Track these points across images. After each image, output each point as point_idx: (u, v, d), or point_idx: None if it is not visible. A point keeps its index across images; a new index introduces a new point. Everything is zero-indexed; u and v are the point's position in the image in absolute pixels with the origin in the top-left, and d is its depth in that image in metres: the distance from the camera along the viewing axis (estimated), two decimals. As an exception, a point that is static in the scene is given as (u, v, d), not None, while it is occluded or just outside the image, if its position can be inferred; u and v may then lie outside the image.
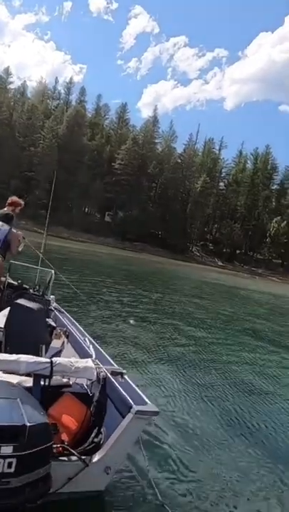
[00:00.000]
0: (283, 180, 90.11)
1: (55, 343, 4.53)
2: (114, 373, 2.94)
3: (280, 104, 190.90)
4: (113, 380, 2.90)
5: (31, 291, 5.28)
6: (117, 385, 2.86)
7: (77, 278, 16.37)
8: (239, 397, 6.43)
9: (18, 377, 2.65)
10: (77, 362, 2.82)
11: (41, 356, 3.38)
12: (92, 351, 3.50)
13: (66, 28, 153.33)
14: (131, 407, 2.58)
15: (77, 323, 4.86)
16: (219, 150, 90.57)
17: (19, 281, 5.46)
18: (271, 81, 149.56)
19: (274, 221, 77.70)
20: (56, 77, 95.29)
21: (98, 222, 70.67)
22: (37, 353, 3.37)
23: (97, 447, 2.66)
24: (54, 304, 5.45)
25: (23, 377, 2.66)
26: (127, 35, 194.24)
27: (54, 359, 2.64)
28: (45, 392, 2.61)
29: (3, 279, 5.45)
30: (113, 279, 20.80)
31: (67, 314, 5.31)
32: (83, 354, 3.64)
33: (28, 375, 2.67)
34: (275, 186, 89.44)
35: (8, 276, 5.34)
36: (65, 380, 3.07)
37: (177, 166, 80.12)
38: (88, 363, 2.90)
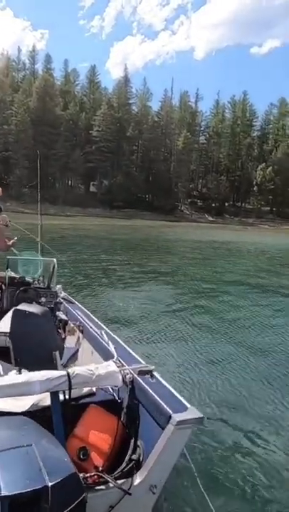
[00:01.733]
0: (263, 125, 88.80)
1: (70, 341, 4.22)
2: (141, 373, 2.55)
3: (252, 47, 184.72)
4: (142, 381, 2.52)
5: (37, 283, 5.07)
6: (147, 387, 2.47)
7: (74, 258, 16.45)
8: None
9: (34, 396, 2.36)
10: (98, 368, 2.45)
11: (56, 363, 3.12)
12: (111, 348, 3.11)
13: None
14: (170, 417, 2.17)
15: (90, 314, 4.45)
16: (196, 103, 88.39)
17: (21, 276, 5.12)
18: (240, 23, 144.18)
19: (259, 168, 77.22)
20: (18, 47, 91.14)
21: (83, 194, 70.00)
22: (51, 361, 3.07)
23: (137, 466, 2.30)
24: (62, 294, 5.03)
25: (40, 395, 2.34)
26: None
27: (71, 370, 2.29)
28: (67, 407, 2.26)
29: (2, 274, 5.18)
30: (110, 253, 20.85)
31: (79, 304, 4.90)
32: (102, 352, 3.29)
33: None
34: (255, 133, 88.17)
35: (9, 272, 5.03)
36: (86, 388, 2.68)
37: (156, 125, 78.49)
38: (110, 366, 2.54)
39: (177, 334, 7.46)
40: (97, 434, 2.37)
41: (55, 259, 5.21)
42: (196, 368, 5.77)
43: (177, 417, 2.15)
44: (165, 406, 2.25)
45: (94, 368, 2.42)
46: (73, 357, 3.76)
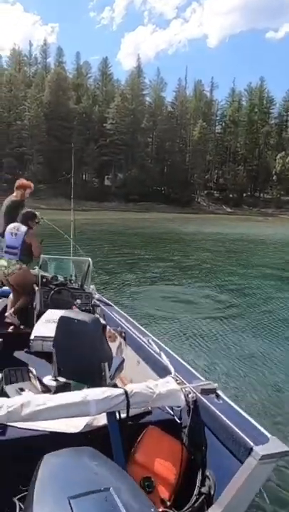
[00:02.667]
0: (282, 112, 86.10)
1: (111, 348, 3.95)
2: (205, 391, 2.25)
3: (267, 31, 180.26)
4: (206, 401, 2.22)
5: (69, 283, 4.82)
6: (213, 408, 2.17)
7: (97, 254, 15.51)
8: None
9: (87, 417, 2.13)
10: (158, 385, 2.17)
11: (105, 375, 2.83)
12: (164, 360, 2.78)
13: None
14: (251, 450, 1.86)
15: (130, 318, 4.14)
16: (211, 91, 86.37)
17: (53, 276, 4.88)
18: (254, 7, 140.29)
19: (278, 157, 74.94)
20: (30, 41, 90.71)
21: (98, 188, 69.19)
22: (98, 372, 2.81)
23: (208, 500, 2.04)
24: (97, 296, 4.77)
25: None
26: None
27: (129, 388, 2.03)
28: (123, 428, 2.03)
29: (35, 271, 4.97)
30: (134, 249, 20.03)
31: (116, 307, 4.58)
32: (153, 363, 3.01)
33: None
34: (273, 120, 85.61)
35: (40, 271, 4.77)
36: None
37: (170, 116, 76.97)
38: (170, 383, 2.23)
39: (227, 343, 6.61)
40: (161, 461, 2.15)
41: (89, 259, 4.95)
42: (260, 386, 4.96)
43: (260, 451, 1.84)
44: (242, 435, 1.94)
45: (153, 386, 2.17)
46: (118, 368, 3.35)
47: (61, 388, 3.48)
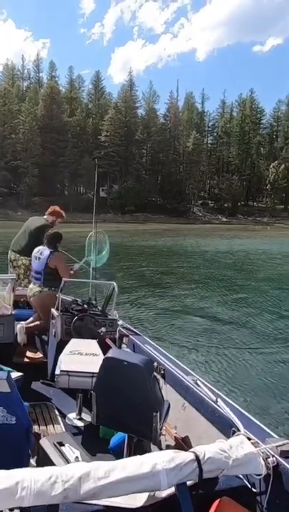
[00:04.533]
0: (272, 122, 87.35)
1: None
2: (284, 453, 1.86)
3: (254, 45, 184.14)
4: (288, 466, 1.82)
5: (93, 309, 4.34)
6: None
7: (105, 271, 14.85)
8: None
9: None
10: (231, 448, 1.78)
11: (156, 427, 2.41)
12: (225, 410, 2.38)
13: (22, 3, 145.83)
14: None
15: (164, 351, 3.64)
16: (202, 103, 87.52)
17: (74, 300, 4.43)
18: (239, 22, 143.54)
19: (271, 166, 75.72)
20: (22, 56, 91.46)
21: (93, 200, 69.14)
22: (150, 425, 2.41)
23: None
24: (120, 322, 4.25)
25: None
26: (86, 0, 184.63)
27: (199, 451, 1.66)
28: (193, 500, 1.71)
29: (23, 292, 4.85)
30: (144, 266, 19.13)
31: (145, 337, 4.04)
32: (203, 410, 2.58)
33: None
34: (264, 131, 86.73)
35: (61, 295, 4.28)
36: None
37: (164, 128, 77.60)
38: (245, 445, 1.83)
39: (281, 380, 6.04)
40: None
41: (114, 283, 4.41)
42: None
43: None
44: None
45: (227, 448, 1.74)
46: (166, 415, 2.81)
47: (88, 429, 3.25)
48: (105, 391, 2.55)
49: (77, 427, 3.36)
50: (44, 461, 2.39)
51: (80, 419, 3.42)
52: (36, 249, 4.72)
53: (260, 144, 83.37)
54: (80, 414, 3.44)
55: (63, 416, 3.51)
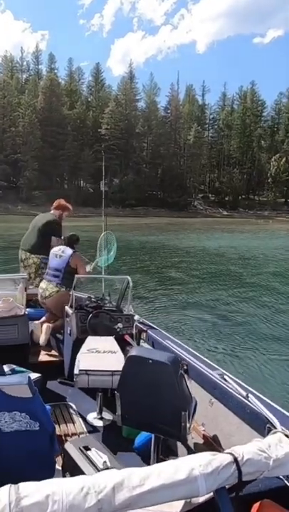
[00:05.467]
0: (274, 115, 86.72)
1: None
2: None
3: (254, 37, 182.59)
4: None
5: (107, 305, 4.25)
6: None
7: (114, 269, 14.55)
8: None
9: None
10: (270, 447, 1.59)
11: (185, 426, 2.31)
12: (257, 405, 2.26)
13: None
14: None
15: (184, 344, 3.50)
16: (203, 96, 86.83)
17: (88, 296, 4.37)
18: (239, 13, 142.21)
19: (273, 159, 75.26)
20: (21, 48, 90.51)
21: (94, 193, 68.80)
22: (178, 425, 2.32)
23: None
24: (137, 317, 4.12)
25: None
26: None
27: (237, 453, 1.49)
28: (233, 502, 1.55)
29: (34, 291, 4.75)
30: (149, 257, 18.95)
31: (164, 332, 3.89)
32: (233, 406, 2.47)
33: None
34: (265, 124, 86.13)
35: (74, 292, 4.23)
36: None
37: (164, 121, 77.05)
38: (284, 444, 1.64)
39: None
40: None
41: (128, 277, 4.33)
42: None
43: None
44: None
45: (266, 448, 1.57)
46: (193, 413, 2.68)
47: (110, 429, 3.19)
48: (130, 391, 2.48)
49: (99, 427, 3.28)
50: (71, 467, 2.27)
51: (101, 418, 3.35)
52: (57, 248, 4.71)
53: (261, 137, 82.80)
54: (100, 413, 3.36)
55: (83, 416, 3.42)
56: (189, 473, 1.40)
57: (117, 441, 2.83)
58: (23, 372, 3.38)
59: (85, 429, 3.24)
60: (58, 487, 1.27)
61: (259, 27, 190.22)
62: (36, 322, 4.61)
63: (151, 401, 2.40)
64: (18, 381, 2.02)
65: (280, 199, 76.01)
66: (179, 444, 2.85)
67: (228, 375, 2.75)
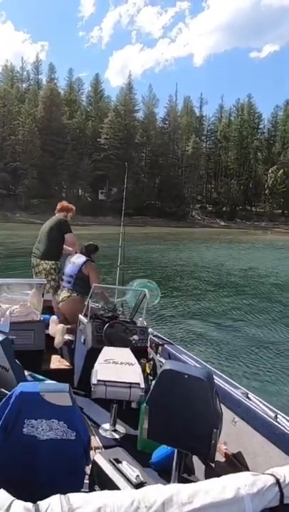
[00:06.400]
0: (270, 128, 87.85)
1: None
2: None
3: (250, 51, 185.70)
4: None
5: (120, 316, 4.16)
6: None
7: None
8: None
9: None
10: None
11: (215, 444, 2.26)
12: (286, 424, 2.25)
13: (21, 5, 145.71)
14: None
15: (202, 361, 3.47)
16: (200, 107, 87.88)
17: (102, 306, 4.31)
18: (236, 28, 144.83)
19: (270, 171, 76.06)
20: (22, 57, 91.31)
21: (93, 202, 68.99)
22: (208, 442, 2.25)
23: None
24: (150, 330, 4.07)
25: None
26: (85, 3, 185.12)
27: (279, 474, 1.52)
28: None
29: (47, 297, 4.69)
30: (150, 270, 18.61)
31: (180, 347, 3.83)
32: (259, 425, 2.42)
33: None
34: (262, 136, 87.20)
35: (90, 302, 4.16)
36: None
37: (163, 131, 77.74)
38: None
39: None
40: None
41: (146, 290, 4.25)
42: None
43: None
44: None
45: None
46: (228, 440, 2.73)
47: (125, 441, 3.12)
48: (161, 404, 2.42)
49: (113, 440, 3.22)
50: (102, 480, 2.23)
51: (115, 430, 3.29)
52: (75, 256, 4.83)
53: (258, 149, 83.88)
54: (114, 425, 3.30)
55: (95, 427, 3.34)
56: (236, 492, 1.40)
57: (132, 455, 2.81)
58: (39, 379, 3.36)
59: (99, 441, 3.16)
60: (108, 500, 1.24)
61: (256, 42, 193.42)
62: (53, 317, 4.58)
63: (182, 416, 2.35)
64: (59, 388, 1.99)
65: (276, 210, 76.65)
66: (196, 460, 2.77)
67: (251, 395, 2.72)
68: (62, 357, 4.53)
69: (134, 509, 1.25)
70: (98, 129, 70.75)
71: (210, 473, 2.61)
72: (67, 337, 4.39)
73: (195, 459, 2.77)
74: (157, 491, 1.36)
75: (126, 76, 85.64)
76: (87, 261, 4.68)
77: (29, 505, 1.18)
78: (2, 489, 1.24)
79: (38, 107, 68.02)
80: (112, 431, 3.29)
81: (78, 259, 4.75)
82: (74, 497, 1.23)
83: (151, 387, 2.54)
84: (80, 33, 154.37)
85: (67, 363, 4.40)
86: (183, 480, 2.37)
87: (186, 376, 2.33)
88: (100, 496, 1.26)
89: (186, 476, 2.50)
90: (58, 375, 3.83)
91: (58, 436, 1.90)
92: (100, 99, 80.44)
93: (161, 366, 3.13)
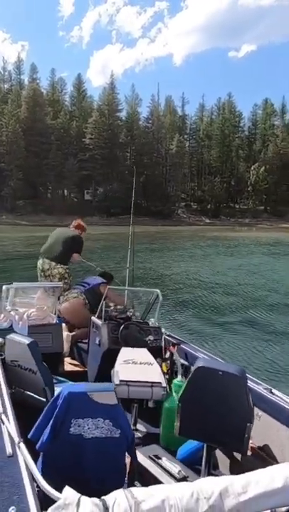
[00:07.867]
0: (250, 126, 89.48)
1: None
2: None
3: (229, 51, 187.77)
4: None
5: (132, 317, 4.16)
6: None
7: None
8: None
9: None
10: None
11: (248, 440, 2.36)
12: None
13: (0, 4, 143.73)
14: None
15: (219, 359, 3.50)
16: (182, 107, 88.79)
17: (116, 308, 4.34)
18: (214, 28, 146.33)
19: (252, 168, 77.56)
20: (3, 57, 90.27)
21: (79, 202, 69.13)
22: (241, 437, 2.34)
23: None
24: (163, 330, 4.09)
25: None
26: (65, 2, 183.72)
27: None
28: None
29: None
30: (143, 269, 18.01)
31: (196, 346, 3.83)
32: (283, 418, 2.50)
33: None
34: (243, 134, 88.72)
35: (103, 303, 4.22)
36: None
37: (146, 131, 78.27)
38: None
39: None
40: None
41: (158, 291, 4.27)
42: None
43: None
44: None
45: None
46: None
47: (147, 439, 3.13)
48: (195, 401, 2.45)
49: (136, 438, 3.13)
50: (143, 476, 2.32)
51: (136, 430, 3.24)
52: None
53: (239, 147, 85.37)
54: (135, 425, 3.27)
55: None
56: (285, 481, 1.45)
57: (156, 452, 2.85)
58: (62, 382, 3.47)
59: None
60: (170, 492, 1.31)
61: (234, 42, 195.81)
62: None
63: (216, 412, 2.38)
64: (105, 388, 2.07)
65: (259, 207, 78.24)
66: (220, 455, 2.80)
67: (275, 390, 2.76)
68: (73, 359, 4.60)
69: (195, 500, 1.31)
70: (82, 129, 70.78)
71: (236, 467, 2.63)
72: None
73: (219, 453, 2.80)
74: (213, 483, 1.42)
75: (107, 76, 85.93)
76: (106, 283, 4.76)
77: (96, 500, 1.24)
78: (67, 486, 1.31)
79: (21, 108, 67.64)
80: (134, 430, 3.23)
81: (100, 278, 5.06)
82: (137, 491, 1.29)
83: (184, 385, 2.56)
84: (60, 32, 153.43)
85: (79, 365, 4.47)
86: (211, 474, 2.40)
87: (220, 373, 2.36)
88: (161, 489, 1.35)
89: (212, 471, 2.54)
90: (73, 377, 3.84)
91: (103, 434, 1.96)
92: (83, 99, 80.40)
93: (182, 365, 3.36)
